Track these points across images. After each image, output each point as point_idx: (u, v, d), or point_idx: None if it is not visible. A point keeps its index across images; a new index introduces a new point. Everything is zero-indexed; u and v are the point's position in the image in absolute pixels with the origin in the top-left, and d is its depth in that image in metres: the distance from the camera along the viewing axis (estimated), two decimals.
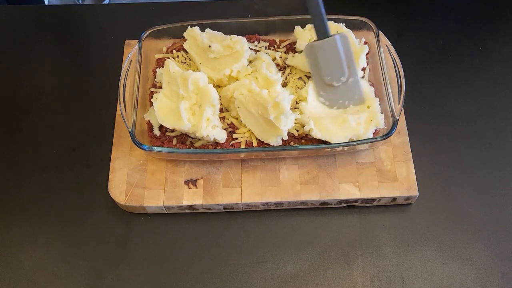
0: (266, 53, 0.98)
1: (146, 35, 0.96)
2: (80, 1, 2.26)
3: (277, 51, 1.00)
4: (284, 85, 0.96)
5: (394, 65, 0.91)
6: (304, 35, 0.97)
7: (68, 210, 0.91)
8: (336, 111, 0.92)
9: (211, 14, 1.13)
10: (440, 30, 1.12)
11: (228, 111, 0.94)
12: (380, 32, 0.95)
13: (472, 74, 1.06)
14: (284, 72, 0.98)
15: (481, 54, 1.08)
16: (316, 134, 0.87)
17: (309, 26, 0.99)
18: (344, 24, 0.98)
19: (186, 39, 0.98)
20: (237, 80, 0.94)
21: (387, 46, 0.93)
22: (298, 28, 0.99)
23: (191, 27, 0.98)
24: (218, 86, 0.95)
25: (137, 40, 0.96)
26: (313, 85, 0.92)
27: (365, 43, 0.98)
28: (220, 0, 1.19)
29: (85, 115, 1.01)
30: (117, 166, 0.92)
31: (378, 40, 0.95)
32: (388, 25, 1.05)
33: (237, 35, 0.96)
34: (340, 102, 0.91)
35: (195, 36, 0.97)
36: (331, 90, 0.90)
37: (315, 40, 0.88)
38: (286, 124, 0.87)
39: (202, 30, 0.98)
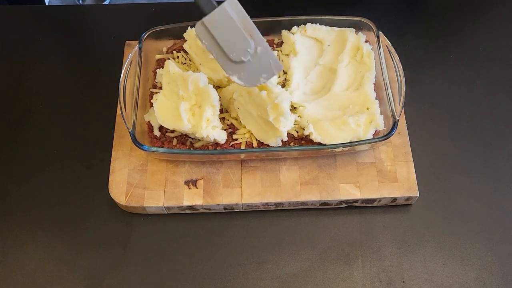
0: None
1: (146, 35, 0.96)
2: (80, 2, 2.26)
3: (275, 50, 1.00)
4: (283, 85, 0.96)
5: (394, 66, 0.91)
6: (289, 38, 0.97)
7: (68, 211, 0.91)
8: (335, 113, 0.92)
9: None
10: (440, 30, 1.12)
11: (228, 112, 0.94)
12: (380, 32, 0.95)
13: (472, 74, 1.06)
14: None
15: (481, 54, 1.08)
16: (316, 137, 0.87)
17: (294, 29, 0.98)
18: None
19: (186, 40, 0.98)
20: None
21: (387, 47, 0.93)
22: (284, 32, 0.99)
23: (191, 27, 0.98)
24: (218, 87, 0.95)
25: (137, 41, 0.96)
26: (222, 69, 0.82)
27: (366, 41, 0.98)
28: (221, 1, 1.18)
29: (85, 115, 1.01)
30: (117, 167, 0.92)
31: (378, 41, 0.95)
32: (388, 26, 1.05)
33: None
34: (257, 77, 0.81)
35: (195, 37, 0.97)
36: (243, 68, 0.80)
37: (203, 17, 0.77)
38: (286, 125, 0.87)
39: None
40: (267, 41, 1.00)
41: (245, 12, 0.79)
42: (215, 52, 0.80)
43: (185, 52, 1.00)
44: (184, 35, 0.98)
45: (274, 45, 1.01)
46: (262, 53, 0.80)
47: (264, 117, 0.87)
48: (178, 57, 1.00)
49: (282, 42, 1.01)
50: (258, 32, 0.79)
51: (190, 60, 1.00)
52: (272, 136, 0.88)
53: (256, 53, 0.80)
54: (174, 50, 1.01)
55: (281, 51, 1.00)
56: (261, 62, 0.81)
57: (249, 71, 0.81)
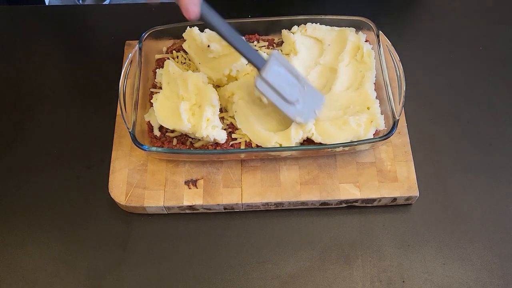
0: (265, 52, 0.98)
1: (146, 35, 0.96)
2: (80, 2, 2.26)
3: (276, 49, 1.00)
4: None
5: (394, 65, 0.91)
6: (290, 37, 0.97)
7: (68, 210, 0.91)
8: (336, 113, 0.92)
9: None
10: (440, 30, 1.12)
11: (226, 111, 0.94)
12: (380, 32, 0.95)
13: (472, 74, 1.06)
14: None
15: (481, 54, 1.08)
16: (317, 138, 0.87)
17: (295, 29, 0.99)
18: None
19: (185, 40, 0.98)
20: (236, 80, 0.94)
21: (387, 46, 0.93)
22: (284, 31, 0.99)
23: (190, 27, 0.98)
24: (217, 86, 0.95)
25: (138, 41, 0.96)
26: (287, 115, 0.87)
27: (366, 41, 0.98)
28: (221, 1, 1.18)
29: (85, 115, 1.01)
30: (117, 167, 0.92)
31: (378, 40, 0.95)
32: (388, 25, 1.05)
33: None
34: (312, 111, 0.89)
35: (194, 37, 0.97)
36: (298, 106, 0.87)
37: (258, 72, 0.84)
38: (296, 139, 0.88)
39: (202, 30, 0.98)
40: (267, 41, 1.01)
41: (286, 59, 0.88)
42: (276, 100, 0.86)
43: (185, 52, 1.00)
44: (183, 34, 0.98)
45: (275, 45, 1.01)
46: (308, 89, 0.89)
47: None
48: (177, 56, 1.00)
49: (282, 42, 1.01)
50: (297, 70, 0.88)
51: (189, 60, 1.00)
52: (268, 141, 0.88)
53: (304, 91, 0.88)
54: (174, 50, 1.01)
55: (281, 51, 1.00)
56: (310, 97, 0.89)
57: (305, 108, 0.88)
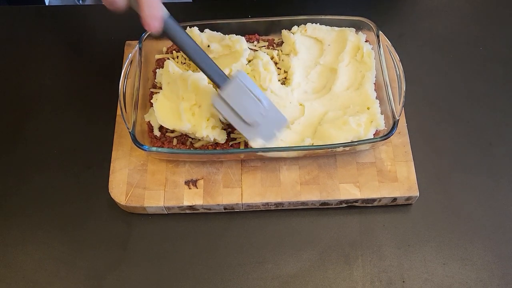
0: (265, 52, 0.98)
1: (146, 35, 0.96)
2: (80, 2, 2.26)
3: (276, 49, 1.00)
4: (283, 83, 0.96)
5: (394, 65, 0.91)
6: (290, 37, 0.97)
7: (68, 210, 0.91)
8: (336, 113, 0.92)
9: (211, 15, 1.13)
10: (440, 30, 1.12)
11: None
12: (380, 32, 0.95)
13: (472, 74, 1.06)
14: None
15: (481, 54, 1.08)
16: (317, 143, 0.87)
17: (295, 29, 0.99)
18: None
19: None
20: None
21: (387, 46, 0.93)
22: (284, 32, 0.99)
23: (189, 27, 0.98)
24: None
25: (138, 41, 0.96)
26: (242, 135, 0.87)
27: (366, 41, 0.98)
28: (220, 1, 1.18)
29: (85, 115, 1.01)
30: (117, 167, 0.92)
31: (378, 40, 0.95)
32: (388, 25, 1.05)
33: (236, 34, 0.96)
34: (272, 132, 0.88)
35: (194, 37, 0.97)
36: (258, 129, 0.86)
37: (219, 90, 0.83)
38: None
39: (202, 30, 0.98)
40: (267, 41, 1.01)
41: (250, 78, 0.86)
42: (232, 120, 0.85)
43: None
44: None
45: (275, 45, 1.01)
46: (271, 111, 0.87)
47: None
48: (177, 56, 1.00)
49: (282, 42, 1.01)
50: (261, 91, 0.86)
51: (189, 60, 1.00)
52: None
53: (266, 112, 0.86)
54: (174, 50, 1.01)
55: (281, 51, 1.00)
56: (271, 119, 0.87)
57: (264, 130, 0.87)
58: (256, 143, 0.86)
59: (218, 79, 0.82)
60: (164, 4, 1.18)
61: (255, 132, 0.86)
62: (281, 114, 0.89)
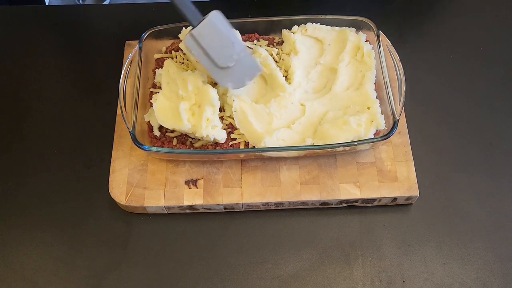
0: (265, 49, 0.98)
1: (146, 35, 0.96)
2: (80, 1, 2.26)
3: (276, 48, 1.00)
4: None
5: (395, 65, 0.91)
6: (290, 37, 0.97)
7: (68, 210, 0.91)
8: (336, 113, 0.92)
9: None
10: (440, 30, 1.12)
11: (224, 110, 0.94)
12: (381, 32, 0.95)
13: (472, 74, 1.06)
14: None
15: (481, 54, 1.08)
16: (318, 143, 0.87)
17: (295, 28, 0.99)
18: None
19: (182, 40, 0.99)
20: None
21: (387, 46, 0.93)
22: (285, 31, 0.99)
23: (185, 27, 0.98)
24: (215, 84, 0.95)
25: (138, 41, 0.96)
26: (211, 76, 0.87)
27: (366, 41, 0.98)
28: (220, 1, 1.19)
29: (85, 115, 1.01)
30: (117, 166, 0.92)
31: (378, 40, 0.95)
32: (388, 25, 1.05)
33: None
34: (242, 79, 0.88)
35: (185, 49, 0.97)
36: (229, 73, 0.86)
37: (191, 29, 0.82)
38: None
39: None
40: (267, 39, 1.01)
41: (227, 21, 0.84)
42: (203, 61, 0.85)
43: (183, 52, 1.00)
44: (180, 35, 0.98)
45: (275, 43, 1.01)
46: (245, 58, 0.86)
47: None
48: (176, 56, 1.00)
49: (282, 41, 1.01)
50: (240, 39, 0.86)
51: (188, 60, 1.00)
52: (259, 140, 0.88)
53: (239, 59, 0.85)
54: (173, 49, 1.01)
55: (282, 50, 1.00)
56: (244, 67, 0.87)
57: (234, 75, 0.87)
58: (223, 85, 0.87)
59: (191, 17, 0.80)
60: (165, 4, 1.18)
61: (226, 76, 0.86)
62: (256, 62, 0.89)
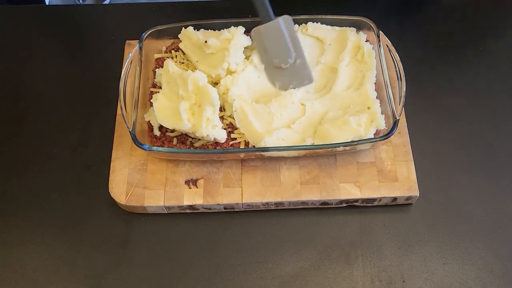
0: None
1: (146, 35, 0.96)
2: (80, 1, 2.26)
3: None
4: None
5: (395, 65, 0.91)
6: None
7: (68, 210, 0.91)
8: (336, 113, 0.92)
9: (212, 14, 1.13)
10: (440, 30, 1.12)
11: (224, 110, 0.94)
12: (381, 32, 0.95)
13: (472, 74, 1.06)
14: None
15: (481, 54, 1.08)
16: (318, 143, 0.87)
17: (295, 27, 0.99)
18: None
19: (181, 40, 0.99)
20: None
21: (387, 46, 0.93)
22: None
23: (185, 28, 0.98)
24: (216, 83, 0.95)
25: (138, 40, 0.96)
26: (264, 69, 0.91)
27: (366, 40, 0.98)
28: (221, 0, 1.19)
29: (85, 115, 1.01)
30: (117, 166, 0.92)
31: (378, 40, 0.95)
32: (389, 25, 1.05)
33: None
34: (290, 83, 0.91)
35: (190, 35, 0.97)
36: (281, 73, 0.90)
37: (260, 25, 0.88)
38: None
39: (198, 29, 0.98)
40: None
41: (294, 28, 0.91)
42: (262, 55, 0.89)
43: (183, 52, 1.00)
44: (179, 36, 0.98)
45: None
46: (300, 65, 0.89)
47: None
48: (176, 56, 1.00)
49: None
50: (302, 47, 0.89)
51: (187, 60, 1.00)
52: (258, 140, 0.88)
53: (295, 64, 0.89)
54: (173, 49, 1.01)
55: None
56: (296, 72, 0.89)
57: (284, 77, 0.90)
58: (273, 85, 0.90)
59: (264, 14, 0.86)
60: (164, 4, 1.18)
61: (276, 75, 0.90)
62: (310, 73, 0.91)
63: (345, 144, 0.86)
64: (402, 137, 0.94)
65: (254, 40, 0.89)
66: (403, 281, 0.85)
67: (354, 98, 0.93)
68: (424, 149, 0.96)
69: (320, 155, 0.92)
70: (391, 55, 0.92)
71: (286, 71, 0.89)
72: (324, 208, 0.91)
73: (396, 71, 0.90)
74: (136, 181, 0.90)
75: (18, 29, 1.15)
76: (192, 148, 0.90)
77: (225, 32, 0.95)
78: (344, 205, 0.91)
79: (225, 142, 0.90)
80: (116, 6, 1.29)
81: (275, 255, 0.87)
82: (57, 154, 0.97)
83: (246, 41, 0.95)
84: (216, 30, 0.98)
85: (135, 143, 0.86)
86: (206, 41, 0.94)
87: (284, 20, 0.87)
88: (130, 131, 0.86)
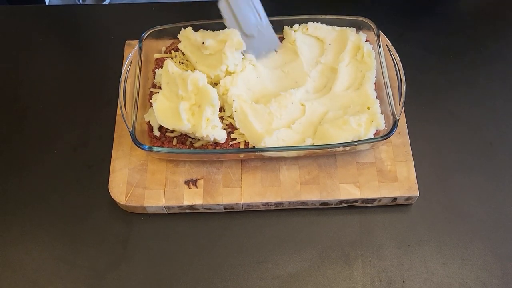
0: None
1: (146, 35, 0.96)
2: (80, 1, 2.26)
3: None
4: None
5: (395, 65, 0.91)
6: (291, 35, 0.98)
7: (68, 210, 0.91)
8: (336, 113, 0.92)
9: (212, 14, 1.13)
10: (440, 30, 1.12)
11: (224, 110, 0.94)
12: (380, 32, 0.95)
13: (473, 74, 1.06)
14: None
15: (481, 54, 1.08)
16: (318, 143, 0.87)
17: (296, 27, 0.99)
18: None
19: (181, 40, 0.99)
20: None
21: (387, 46, 0.93)
22: (286, 28, 1.00)
23: (184, 28, 0.98)
24: (215, 84, 0.95)
25: (138, 40, 0.96)
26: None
27: (366, 41, 0.98)
28: None
29: (85, 115, 1.01)
30: (117, 166, 0.92)
31: (378, 40, 0.95)
32: (388, 25, 1.05)
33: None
34: (262, 50, 0.94)
35: (189, 36, 0.97)
36: (253, 42, 0.93)
37: None
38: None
39: (196, 30, 0.98)
40: None
41: None
42: (233, 26, 0.92)
43: (183, 52, 1.00)
44: (178, 36, 0.98)
45: None
46: (267, 31, 0.94)
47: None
48: (176, 56, 1.00)
49: (283, 38, 1.01)
50: (262, 8, 0.93)
51: (187, 60, 1.00)
52: (258, 141, 0.88)
53: (262, 31, 0.93)
54: (172, 49, 1.01)
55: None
56: (265, 39, 0.94)
57: (256, 46, 0.94)
58: (251, 54, 0.93)
59: None
60: (165, 4, 1.18)
61: (250, 44, 0.93)
62: (276, 37, 0.96)
63: (345, 144, 0.86)
64: (402, 137, 0.94)
65: (223, 11, 0.91)
66: (403, 281, 0.85)
67: (354, 98, 0.93)
68: (424, 149, 0.96)
69: (320, 155, 0.92)
70: (391, 55, 0.92)
71: (256, 39, 0.93)
72: (324, 208, 0.91)
73: (396, 71, 0.90)
74: (136, 181, 0.90)
75: (18, 29, 1.15)
76: (192, 149, 0.90)
77: (220, 34, 0.95)
78: (344, 205, 0.91)
79: (225, 142, 0.90)
80: (116, 6, 1.29)
81: (275, 255, 0.87)
82: (57, 154, 0.97)
83: (242, 44, 0.95)
84: (216, 31, 0.98)
85: (135, 143, 0.86)
86: (203, 43, 0.94)
87: None
88: (130, 131, 0.87)
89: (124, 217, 0.91)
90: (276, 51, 0.97)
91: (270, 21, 0.99)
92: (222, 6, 0.90)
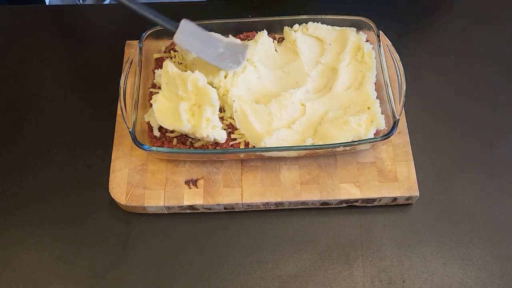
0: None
1: (146, 35, 0.96)
2: (80, 1, 2.26)
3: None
4: None
5: (395, 65, 0.91)
6: (291, 35, 0.98)
7: (68, 210, 0.91)
8: (336, 113, 0.92)
9: (212, 14, 1.13)
10: (440, 30, 1.12)
11: (224, 110, 0.93)
12: (381, 32, 0.95)
13: (473, 74, 1.06)
14: None
15: (481, 54, 1.08)
16: (317, 143, 0.87)
17: (296, 27, 0.99)
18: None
19: None
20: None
21: (387, 46, 0.93)
22: (286, 28, 1.00)
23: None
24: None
25: (138, 41, 0.96)
26: (213, 64, 0.92)
27: (366, 41, 0.98)
28: (221, 0, 1.19)
29: (85, 115, 1.01)
30: (117, 166, 0.92)
31: (378, 40, 0.95)
32: (389, 25, 1.05)
33: (236, 33, 0.98)
34: (237, 59, 0.93)
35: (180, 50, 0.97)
36: (224, 57, 0.92)
37: (173, 34, 0.89)
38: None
39: None
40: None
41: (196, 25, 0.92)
42: (200, 52, 0.91)
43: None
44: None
45: (276, 40, 1.01)
46: (230, 43, 0.94)
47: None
48: (175, 56, 1.00)
49: (283, 38, 1.01)
50: (214, 37, 0.94)
51: (187, 60, 0.99)
52: (259, 140, 0.88)
53: (226, 46, 0.93)
54: (172, 49, 1.01)
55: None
56: (233, 49, 0.94)
57: (229, 57, 0.93)
58: (229, 68, 0.92)
59: (168, 23, 0.89)
60: (165, 4, 1.18)
61: (223, 60, 0.92)
62: (238, 42, 0.96)
63: (345, 144, 0.86)
64: (402, 137, 0.94)
65: (185, 44, 0.90)
66: (403, 281, 0.85)
67: (354, 98, 0.93)
68: (424, 149, 0.96)
69: (320, 155, 0.92)
70: (391, 55, 0.92)
71: (225, 53, 0.92)
72: (324, 208, 0.91)
73: (396, 71, 0.90)
74: (136, 181, 0.90)
75: (18, 29, 1.15)
76: (192, 149, 0.90)
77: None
78: (344, 205, 0.91)
79: (225, 142, 0.90)
80: (116, 6, 1.29)
81: (275, 255, 0.87)
82: (57, 154, 0.97)
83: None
84: (212, 32, 0.98)
85: (135, 144, 0.86)
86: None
87: (186, 20, 0.90)
88: (130, 132, 0.87)
89: (124, 217, 0.91)
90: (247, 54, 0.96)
91: (271, 21, 1.00)
92: (180, 40, 0.89)
